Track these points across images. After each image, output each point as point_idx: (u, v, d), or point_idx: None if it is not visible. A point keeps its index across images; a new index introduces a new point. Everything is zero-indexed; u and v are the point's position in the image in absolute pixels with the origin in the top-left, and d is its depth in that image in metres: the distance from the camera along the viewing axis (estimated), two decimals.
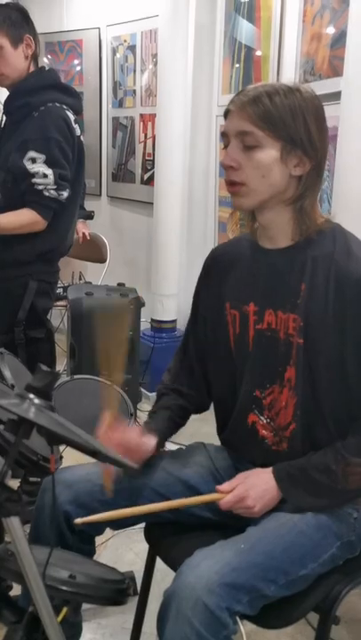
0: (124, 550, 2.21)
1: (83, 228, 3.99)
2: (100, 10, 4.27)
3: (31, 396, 0.80)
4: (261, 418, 1.35)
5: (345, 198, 1.69)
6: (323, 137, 1.26)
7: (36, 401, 0.80)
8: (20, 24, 2.15)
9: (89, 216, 4.05)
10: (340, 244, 1.27)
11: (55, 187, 2.13)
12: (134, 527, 1.52)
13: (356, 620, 1.88)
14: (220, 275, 1.43)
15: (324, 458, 1.27)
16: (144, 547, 1.56)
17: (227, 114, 1.27)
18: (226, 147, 1.27)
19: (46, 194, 2.13)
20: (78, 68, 4.52)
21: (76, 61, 4.52)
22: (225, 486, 1.28)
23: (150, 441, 1.39)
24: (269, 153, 1.23)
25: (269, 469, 1.30)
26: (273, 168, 1.24)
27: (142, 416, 3.26)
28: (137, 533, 2.17)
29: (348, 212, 1.77)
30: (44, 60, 4.64)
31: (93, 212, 4.12)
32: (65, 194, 2.16)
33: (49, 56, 4.66)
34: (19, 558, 0.86)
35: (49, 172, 2.11)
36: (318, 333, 1.25)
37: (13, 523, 0.82)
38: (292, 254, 1.30)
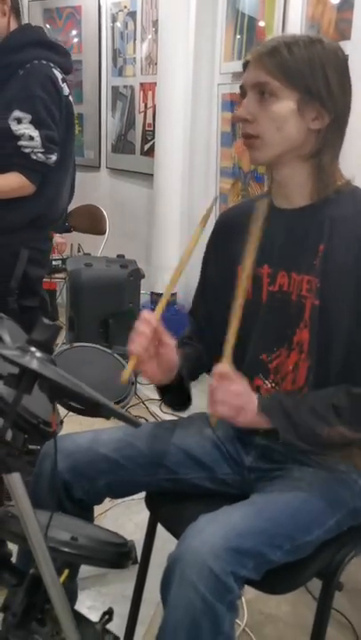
0: (124, 521, 2.21)
1: (60, 240, 3.95)
2: None
3: (32, 349, 0.78)
4: (266, 382, 1.33)
5: (350, 161, 1.64)
6: (344, 90, 1.21)
7: (38, 354, 0.77)
8: None
9: (67, 230, 4.02)
10: None
11: (43, 150, 2.07)
12: (133, 498, 1.50)
13: (357, 589, 1.88)
14: (232, 238, 1.39)
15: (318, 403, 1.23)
16: (144, 517, 1.54)
17: (245, 66, 1.24)
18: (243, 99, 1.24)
19: (34, 157, 2.07)
20: (77, 37, 4.44)
21: (74, 30, 4.43)
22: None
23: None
24: (285, 104, 1.19)
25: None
26: (289, 120, 1.20)
27: (142, 388, 3.25)
28: (136, 504, 2.16)
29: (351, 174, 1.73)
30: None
31: (72, 226, 4.08)
32: (53, 157, 2.11)
33: (47, 25, 4.56)
34: (20, 515, 0.83)
35: (35, 133, 2.05)
36: (336, 294, 1.22)
37: (15, 479, 0.80)
38: (309, 214, 1.26)
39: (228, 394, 1.19)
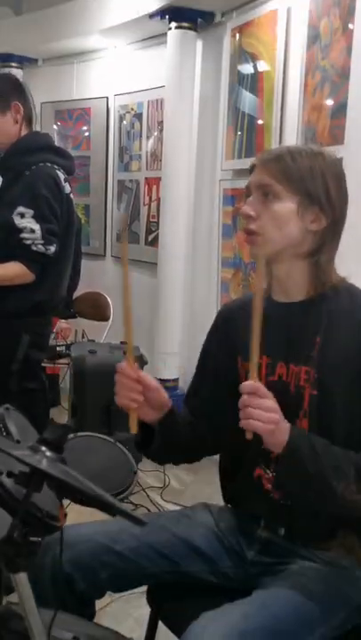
0: (123, 617, 2.15)
1: (64, 326, 4.05)
2: (109, 80, 4.46)
3: (43, 448, 0.81)
4: (267, 471, 1.35)
5: (340, 260, 1.73)
6: (341, 197, 1.31)
7: (48, 454, 0.81)
8: (5, 93, 2.30)
9: (72, 316, 4.14)
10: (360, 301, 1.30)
11: (43, 241, 2.22)
12: (133, 591, 1.48)
13: None
14: (232, 329, 1.45)
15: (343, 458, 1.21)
16: (144, 612, 1.52)
17: (252, 169, 1.34)
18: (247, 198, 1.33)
19: (34, 248, 2.21)
20: (86, 134, 4.68)
21: (84, 128, 4.69)
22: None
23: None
24: (287, 205, 1.28)
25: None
26: (289, 220, 1.28)
27: (143, 476, 3.22)
28: (136, 598, 2.11)
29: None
30: (54, 127, 4.82)
31: (77, 312, 4.19)
32: (52, 248, 2.25)
33: (58, 123, 4.83)
34: (25, 617, 0.84)
35: (36, 227, 2.20)
36: (333, 385, 1.26)
37: (22, 579, 0.81)
38: (306, 308, 1.32)
39: (261, 409, 1.15)
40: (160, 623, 1.46)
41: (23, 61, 4.81)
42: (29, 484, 0.78)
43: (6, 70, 4.38)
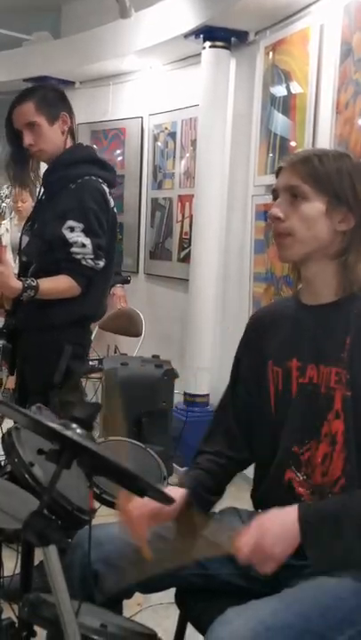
0: (151, 626, 2.13)
1: (121, 293, 4.09)
2: (144, 100, 4.55)
3: (74, 425, 0.83)
4: (298, 474, 1.34)
5: None
6: None
7: (79, 430, 0.82)
8: (55, 103, 2.31)
9: (125, 280, 4.16)
10: None
11: (93, 256, 2.22)
12: (162, 602, 1.47)
13: None
14: (262, 335, 1.45)
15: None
16: (171, 622, 1.51)
17: (278, 171, 1.35)
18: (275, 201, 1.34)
19: (84, 263, 2.21)
20: (120, 155, 4.77)
21: (118, 148, 4.77)
22: (241, 539, 1.22)
23: (174, 491, 1.33)
24: (315, 206, 1.29)
25: (292, 507, 1.23)
26: (318, 221, 1.29)
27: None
28: (164, 608, 2.10)
29: None
30: None
31: (130, 276, 4.24)
32: (101, 263, 2.25)
33: (95, 146, 4.92)
34: (54, 592, 0.85)
35: (87, 241, 2.20)
36: None
37: (51, 552, 0.82)
38: (335, 309, 1.33)
39: (261, 552, 1.20)
40: (188, 632, 1.45)
41: (60, 84, 4.93)
42: (60, 459, 0.80)
43: None
